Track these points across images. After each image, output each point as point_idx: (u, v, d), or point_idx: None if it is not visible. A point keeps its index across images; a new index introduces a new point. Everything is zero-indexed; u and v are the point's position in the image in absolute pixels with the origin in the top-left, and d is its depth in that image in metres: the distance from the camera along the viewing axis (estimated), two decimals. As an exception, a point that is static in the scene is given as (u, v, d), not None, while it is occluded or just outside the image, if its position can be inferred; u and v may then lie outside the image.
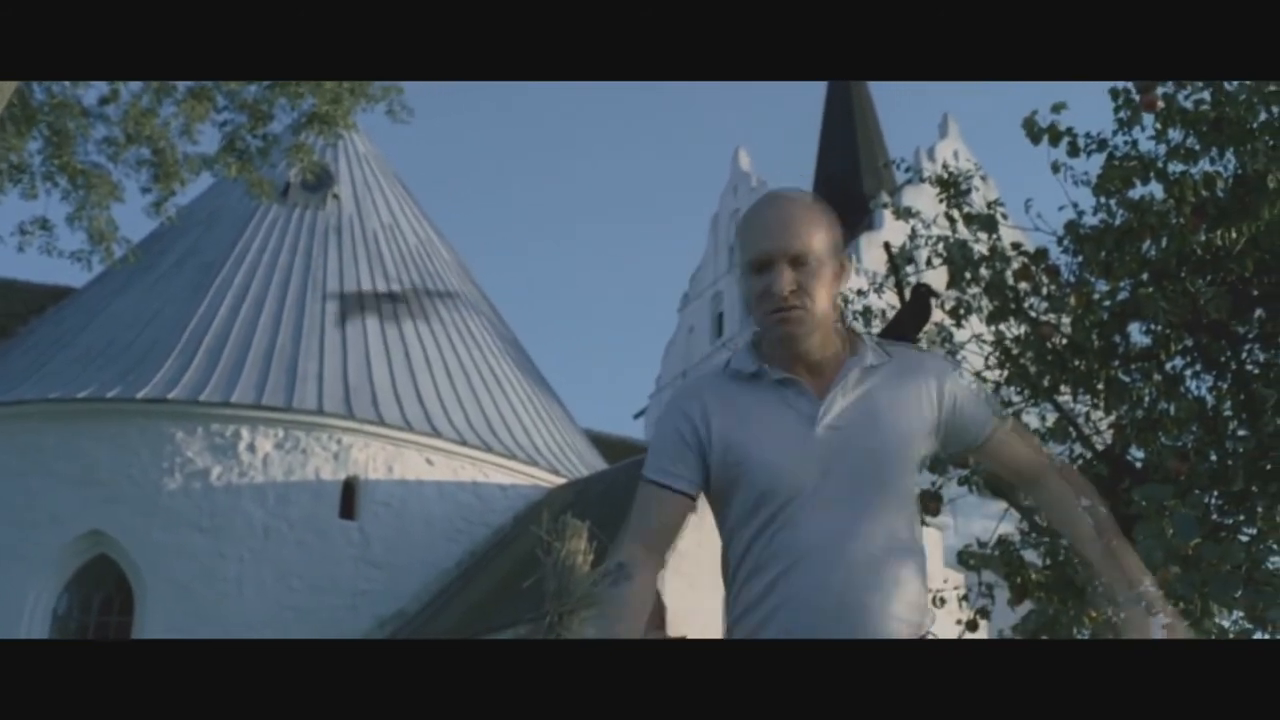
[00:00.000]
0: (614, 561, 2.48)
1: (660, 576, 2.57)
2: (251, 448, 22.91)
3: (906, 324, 7.65)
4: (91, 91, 12.04)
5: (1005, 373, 8.45)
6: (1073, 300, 7.75)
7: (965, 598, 8.77)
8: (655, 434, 2.67)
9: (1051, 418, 8.31)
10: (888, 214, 11.14)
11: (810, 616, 2.42)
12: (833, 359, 2.61)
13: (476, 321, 27.96)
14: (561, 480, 24.72)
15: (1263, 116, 7.14)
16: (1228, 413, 7.74)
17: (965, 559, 8.73)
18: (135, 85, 11.87)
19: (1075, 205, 8.02)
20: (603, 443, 30.65)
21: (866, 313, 9.76)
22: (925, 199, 11.12)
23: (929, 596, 2.61)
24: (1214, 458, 7.46)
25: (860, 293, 10.06)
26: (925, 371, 2.68)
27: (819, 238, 2.56)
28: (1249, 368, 7.69)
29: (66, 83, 11.63)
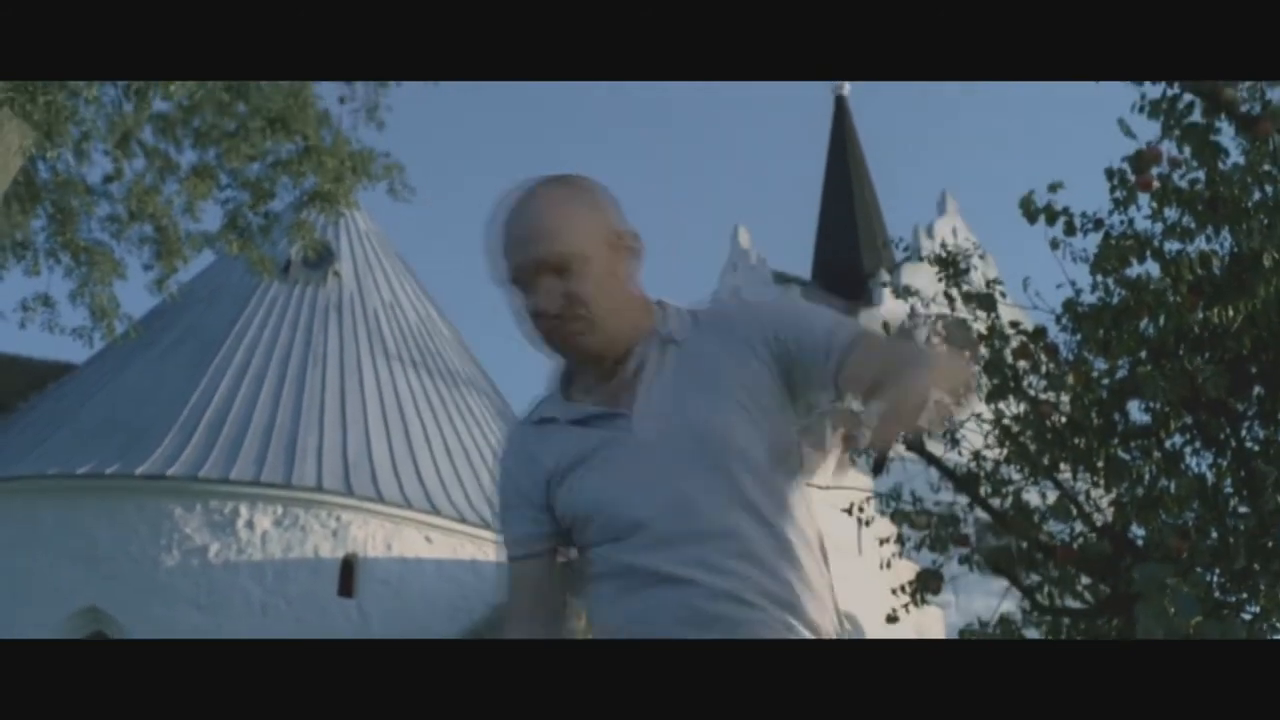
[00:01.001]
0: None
1: (571, 629, 2.35)
2: (250, 525, 22.82)
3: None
4: (95, 169, 12.14)
5: (1005, 451, 8.45)
6: (1071, 378, 7.77)
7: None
8: (497, 504, 2.41)
9: (1052, 496, 8.30)
10: (887, 292, 11.19)
11: (666, 631, 2.11)
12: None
13: (476, 399, 27.94)
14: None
15: (1257, 195, 7.19)
16: (1228, 490, 7.73)
17: (967, 637, 8.68)
18: (139, 163, 11.96)
19: (1073, 283, 8.07)
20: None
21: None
22: (924, 276, 11.16)
23: (824, 576, 2.24)
24: (1215, 535, 7.44)
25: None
26: (741, 320, 2.30)
27: (579, 231, 2.21)
28: (1249, 445, 7.70)
29: (71, 160, 11.71)
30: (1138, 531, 7.86)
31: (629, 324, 2.27)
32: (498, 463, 2.43)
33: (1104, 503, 8.32)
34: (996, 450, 8.49)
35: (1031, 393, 8.16)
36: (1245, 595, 7.46)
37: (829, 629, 2.23)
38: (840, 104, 44.64)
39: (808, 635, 2.17)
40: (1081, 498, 8.39)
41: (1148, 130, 8.02)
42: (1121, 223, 7.62)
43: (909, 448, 8.72)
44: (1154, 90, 7.60)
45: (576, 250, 2.20)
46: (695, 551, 2.14)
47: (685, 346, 2.27)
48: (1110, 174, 7.58)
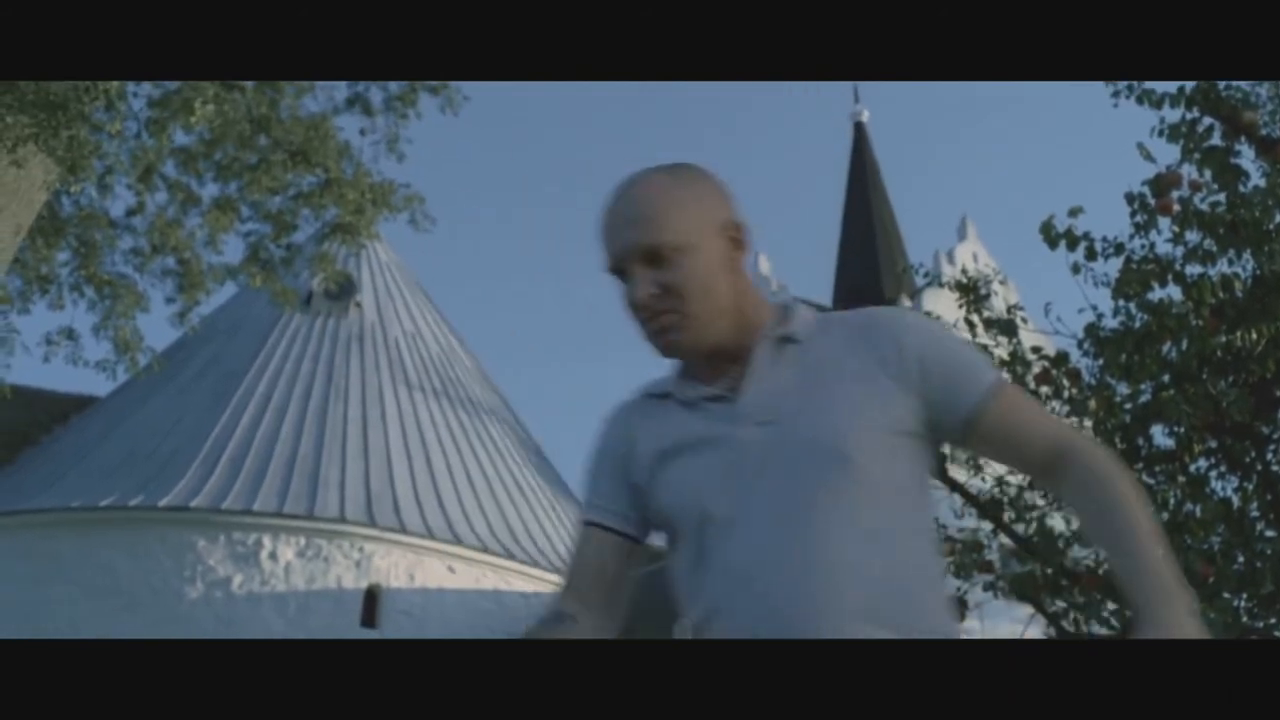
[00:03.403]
0: (551, 610, 2.15)
1: (608, 630, 2.18)
2: (273, 556, 22.87)
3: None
4: (118, 203, 12.23)
5: (1028, 478, 8.42)
6: (1094, 403, 7.74)
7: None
8: (587, 468, 2.28)
9: (1076, 521, 8.26)
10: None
11: (744, 631, 1.95)
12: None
13: (498, 428, 27.98)
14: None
15: (1278, 218, 7.17)
16: (1254, 514, 7.69)
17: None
18: (161, 197, 12.03)
19: (1095, 308, 8.05)
20: (625, 549, 30.49)
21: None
22: (945, 302, 11.17)
23: (939, 597, 2.03)
24: (1241, 560, 7.40)
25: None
26: (877, 328, 2.12)
27: (678, 219, 2.07)
28: (1274, 468, 7.65)
29: (94, 194, 11.79)
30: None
31: (732, 322, 2.11)
32: (601, 423, 2.29)
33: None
34: (1020, 476, 8.46)
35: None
36: (1273, 620, 7.41)
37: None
38: (859, 130, 44.70)
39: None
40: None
41: (1167, 154, 8.03)
42: (1142, 247, 7.62)
43: (932, 475, 8.70)
44: (1173, 114, 7.60)
45: (672, 240, 2.06)
46: (789, 562, 1.96)
47: (806, 347, 2.11)
48: (1130, 198, 7.58)
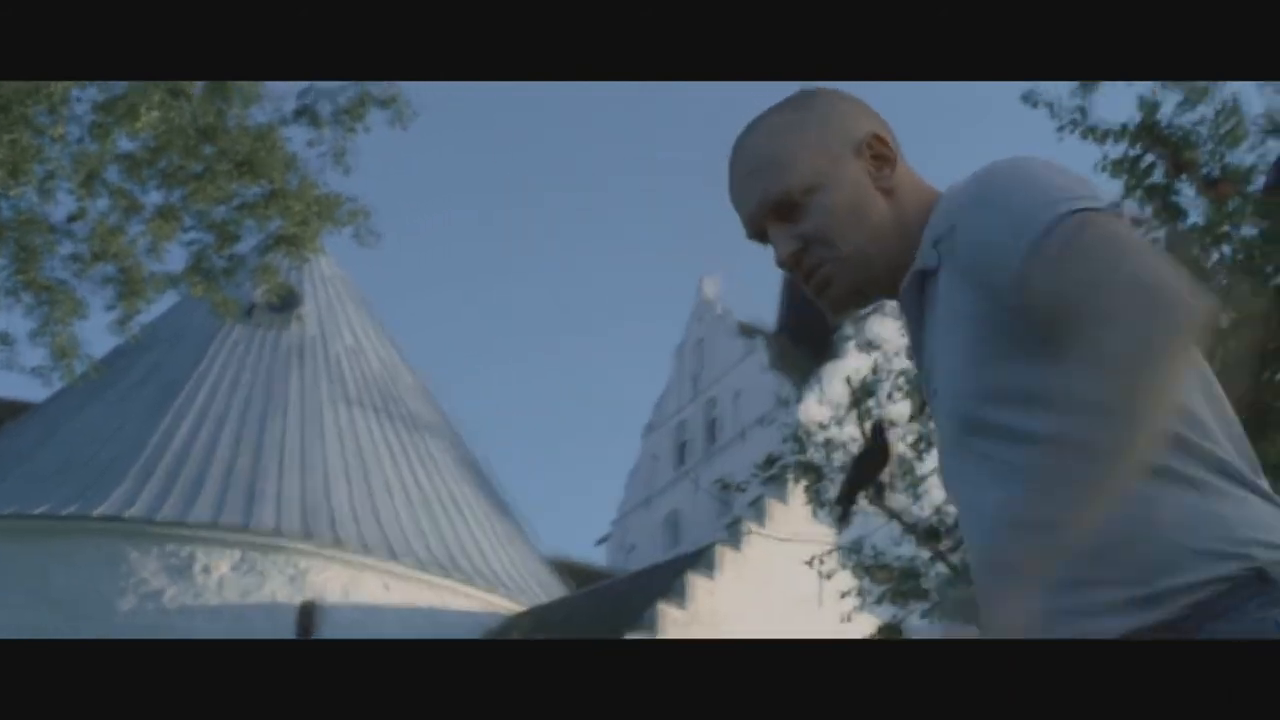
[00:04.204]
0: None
1: None
2: (207, 569, 22.64)
3: (866, 464, 7.68)
4: (59, 208, 12.09)
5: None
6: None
7: None
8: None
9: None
10: (852, 345, 11.24)
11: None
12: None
13: (438, 444, 27.86)
14: (522, 608, 24.49)
15: (1216, 256, 7.26)
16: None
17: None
18: (103, 203, 11.90)
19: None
20: (565, 569, 30.42)
21: (829, 444, 9.80)
22: (890, 328, 11.23)
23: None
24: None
25: (822, 425, 10.10)
26: (947, 222, 1.69)
27: (801, 156, 1.78)
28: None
29: (35, 199, 11.65)
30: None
31: (901, 247, 1.76)
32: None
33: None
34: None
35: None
36: None
37: None
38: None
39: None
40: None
41: (1110, 189, 8.11)
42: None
43: (871, 502, 8.73)
44: (1116, 150, 7.70)
45: (798, 182, 1.76)
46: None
47: (938, 283, 1.70)
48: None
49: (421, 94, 28.78)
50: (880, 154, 1.80)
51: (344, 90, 12.05)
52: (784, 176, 1.77)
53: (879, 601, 9.97)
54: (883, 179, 1.78)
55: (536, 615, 23.04)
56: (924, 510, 8.90)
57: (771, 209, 1.79)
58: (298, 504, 23.88)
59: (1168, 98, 7.90)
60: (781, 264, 1.81)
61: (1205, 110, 7.84)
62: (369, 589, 23.43)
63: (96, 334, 70.87)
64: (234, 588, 22.62)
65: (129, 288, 12.22)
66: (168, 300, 24.93)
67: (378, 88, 12.06)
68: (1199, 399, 1.62)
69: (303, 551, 23.15)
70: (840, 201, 1.76)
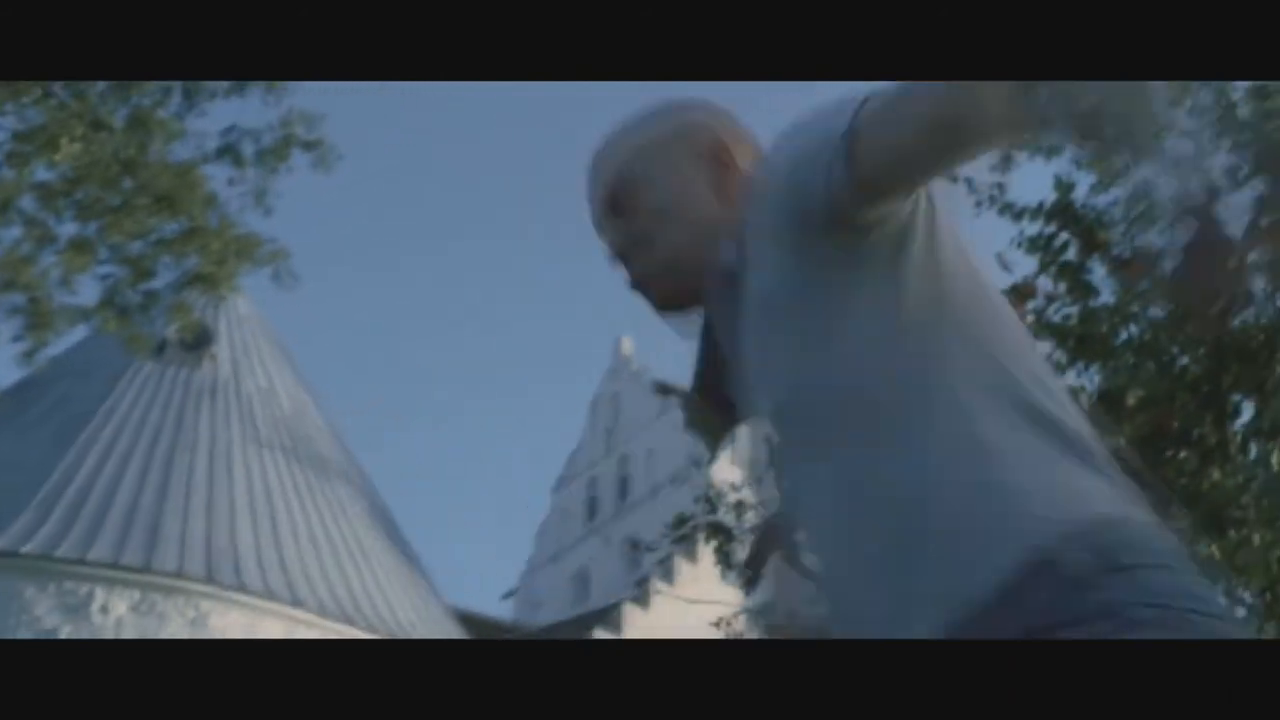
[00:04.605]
0: None
1: None
2: (105, 609, 22.20)
3: (772, 534, 7.71)
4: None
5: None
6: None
7: None
8: None
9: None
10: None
11: None
12: None
13: (347, 491, 27.59)
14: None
15: (1124, 335, 7.42)
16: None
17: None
18: (15, 232, 11.73)
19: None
20: (469, 621, 30.17)
21: (739, 506, 9.81)
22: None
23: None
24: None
25: (734, 486, 10.12)
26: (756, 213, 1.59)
27: (625, 153, 1.77)
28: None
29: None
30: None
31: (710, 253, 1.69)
32: None
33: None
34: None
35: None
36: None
37: None
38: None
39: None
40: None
41: (1025, 265, 8.29)
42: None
43: (785, 559, 8.75)
44: (1032, 227, 7.85)
45: (621, 181, 1.75)
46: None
47: (746, 275, 1.62)
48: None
49: (346, 138, 28.65)
50: (722, 160, 1.76)
51: (268, 131, 12.00)
52: (608, 178, 1.77)
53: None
54: (722, 185, 1.75)
55: (439, 667, 22.80)
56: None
57: (606, 210, 1.78)
58: (201, 545, 23.52)
59: (1082, 179, 8.09)
60: (610, 259, 1.80)
61: (1119, 192, 8.02)
62: (270, 634, 23.09)
63: (2, 365, 69.60)
64: (132, 629, 22.19)
65: (38, 319, 12.03)
66: (78, 333, 24.57)
67: (303, 128, 12.02)
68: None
69: (204, 594, 22.79)
70: (663, 204, 1.74)
